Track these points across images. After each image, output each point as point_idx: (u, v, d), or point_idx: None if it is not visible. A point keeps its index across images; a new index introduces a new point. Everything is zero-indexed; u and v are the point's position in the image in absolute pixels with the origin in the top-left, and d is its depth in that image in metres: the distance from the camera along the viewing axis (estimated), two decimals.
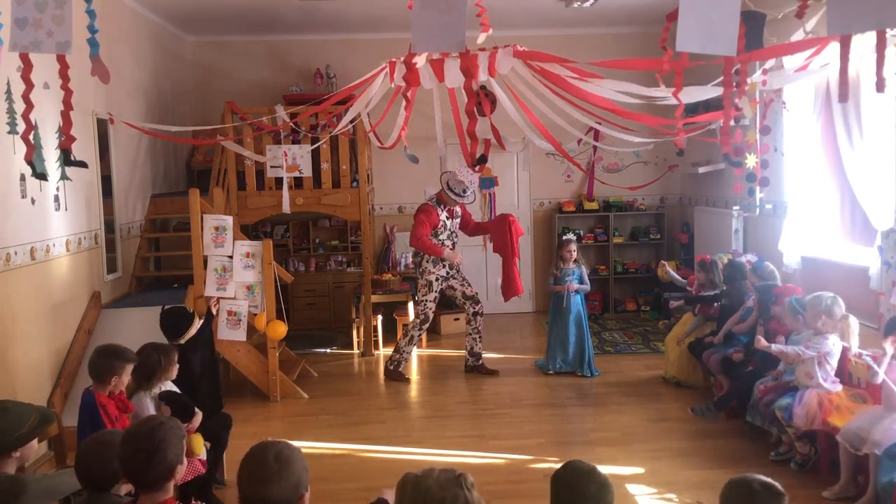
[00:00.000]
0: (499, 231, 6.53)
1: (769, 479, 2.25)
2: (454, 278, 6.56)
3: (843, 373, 4.47)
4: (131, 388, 3.70)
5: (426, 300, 6.46)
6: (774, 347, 4.42)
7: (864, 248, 5.31)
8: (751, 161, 5.89)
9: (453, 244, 6.58)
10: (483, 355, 6.78)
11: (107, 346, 3.57)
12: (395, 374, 6.53)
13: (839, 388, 4.33)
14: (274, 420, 5.62)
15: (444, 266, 6.44)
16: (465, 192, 6.41)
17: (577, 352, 6.47)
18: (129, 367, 3.53)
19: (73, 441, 3.49)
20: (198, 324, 4.43)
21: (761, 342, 4.47)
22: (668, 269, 6.66)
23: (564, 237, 6.80)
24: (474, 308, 6.58)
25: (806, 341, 4.39)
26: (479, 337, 6.63)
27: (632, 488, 4.20)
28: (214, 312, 4.76)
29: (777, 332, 4.87)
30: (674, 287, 7.00)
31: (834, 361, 4.35)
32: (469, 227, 6.76)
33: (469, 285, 6.66)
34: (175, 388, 3.82)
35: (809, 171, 5.85)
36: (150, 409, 3.61)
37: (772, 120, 6.31)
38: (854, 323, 4.38)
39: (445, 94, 5.94)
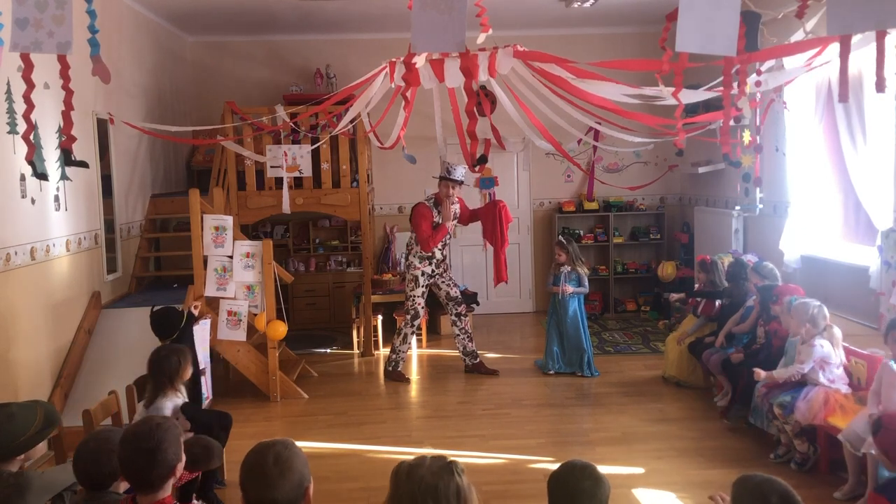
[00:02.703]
0: (488, 216, 6.53)
1: (788, 489, 2.05)
2: (441, 277, 6.56)
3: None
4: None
5: (414, 296, 6.46)
6: (775, 374, 4.45)
7: (866, 247, 5.30)
8: (746, 161, 5.89)
9: (444, 245, 6.58)
10: (483, 355, 6.79)
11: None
12: (395, 375, 6.53)
13: (847, 389, 4.32)
14: (274, 420, 5.62)
15: (429, 263, 6.44)
16: (449, 170, 6.34)
17: (574, 353, 6.47)
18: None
19: (73, 441, 3.50)
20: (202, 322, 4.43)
21: (760, 375, 4.50)
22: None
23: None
24: (457, 309, 6.57)
25: (798, 355, 4.39)
26: (469, 336, 6.62)
27: (632, 488, 4.19)
28: (196, 313, 4.77)
29: (777, 331, 4.87)
30: (674, 287, 7.00)
31: (835, 359, 4.34)
32: (464, 217, 6.71)
33: (454, 286, 6.64)
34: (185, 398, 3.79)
35: (811, 170, 5.85)
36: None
37: (772, 120, 6.32)
38: (838, 333, 4.38)
39: (445, 94, 5.94)
